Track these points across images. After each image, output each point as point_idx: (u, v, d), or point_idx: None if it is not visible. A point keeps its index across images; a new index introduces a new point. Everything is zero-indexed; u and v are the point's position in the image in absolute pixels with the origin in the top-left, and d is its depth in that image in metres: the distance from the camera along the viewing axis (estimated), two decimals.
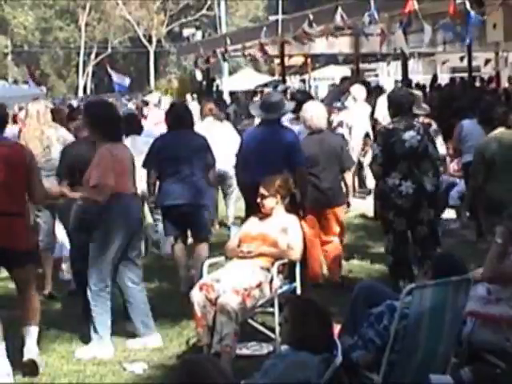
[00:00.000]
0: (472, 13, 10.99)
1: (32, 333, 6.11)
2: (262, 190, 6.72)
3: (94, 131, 6.63)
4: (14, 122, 12.83)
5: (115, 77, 30.56)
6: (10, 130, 11.28)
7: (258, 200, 6.74)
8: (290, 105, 8.14)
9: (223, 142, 10.19)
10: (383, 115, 13.01)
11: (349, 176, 8.34)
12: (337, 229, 8.29)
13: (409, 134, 7.25)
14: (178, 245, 8.22)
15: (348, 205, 8.41)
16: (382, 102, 13.48)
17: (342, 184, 8.25)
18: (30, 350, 6.03)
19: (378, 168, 7.34)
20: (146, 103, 21.14)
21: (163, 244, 9.75)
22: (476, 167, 7.65)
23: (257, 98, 15.21)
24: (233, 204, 11.08)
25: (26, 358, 5.97)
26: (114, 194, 6.37)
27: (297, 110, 8.68)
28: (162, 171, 8.08)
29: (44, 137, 8.21)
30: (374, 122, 13.27)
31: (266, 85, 27.62)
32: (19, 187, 6.06)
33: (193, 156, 8.05)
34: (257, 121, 10.11)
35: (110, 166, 6.37)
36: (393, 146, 7.21)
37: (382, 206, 7.44)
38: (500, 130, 7.65)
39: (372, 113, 13.48)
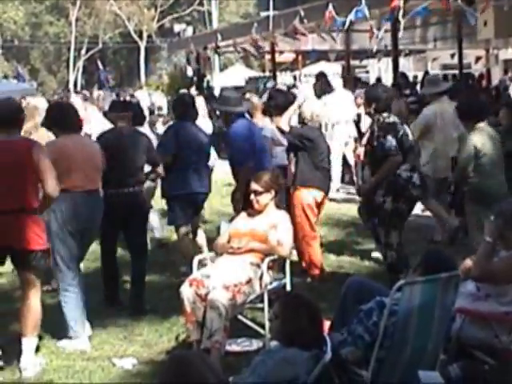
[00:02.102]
0: (468, 10, 11.03)
1: (26, 346, 6.00)
2: (256, 186, 6.69)
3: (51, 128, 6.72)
4: None
5: (104, 74, 30.50)
6: None
7: (252, 197, 6.72)
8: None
9: None
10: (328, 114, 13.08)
11: None
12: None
13: (406, 128, 7.51)
14: (188, 236, 8.43)
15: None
16: (329, 100, 13.49)
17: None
18: (24, 367, 5.95)
19: (399, 158, 7.31)
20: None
21: (159, 229, 10.05)
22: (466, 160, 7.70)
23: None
24: None
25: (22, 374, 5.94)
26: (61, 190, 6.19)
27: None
28: (180, 158, 8.16)
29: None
30: None
31: (256, 79, 27.53)
32: (19, 183, 5.91)
33: (203, 148, 8.43)
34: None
35: (53, 163, 6.14)
36: (402, 139, 7.33)
37: (397, 199, 7.34)
38: (482, 124, 7.75)
39: None
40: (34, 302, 6.08)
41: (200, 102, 13.25)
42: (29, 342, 6.01)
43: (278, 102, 8.95)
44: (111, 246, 7.76)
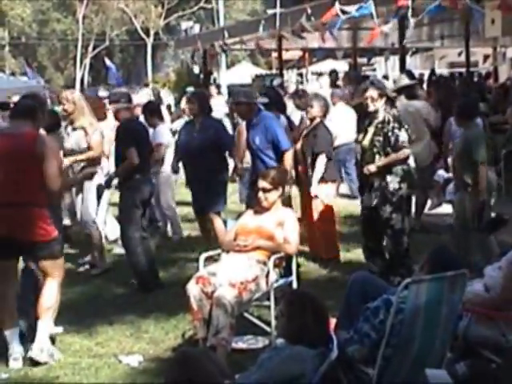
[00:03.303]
0: (474, 8, 11.04)
1: (39, 328, 6.09)
2: (264, 184, 6.69)
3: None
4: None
5: (114, 70, 30.37)
6: None
7: (260, 194, 6.71)
8: None
9: None
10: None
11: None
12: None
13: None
14: None
15: None
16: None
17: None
18: (34, 349, 6.05)
19: (410, 152, 7.68)
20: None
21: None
22: None
23: None
24: None
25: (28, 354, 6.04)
26: None
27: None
28: None
29: None
30: None
31: (263, 77, 27.49)
32: (26, 176, 5.94)
33: None
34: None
35: None
36: (407, 130, 7.67)
37: (412, 185, 7.72)
38: None
39: None
40: (47, 288, 6.16)
41: (220, 101, 13.34)
42: (40, 324, 6.10)
43: (271, 101, 9.01)
44: (139, 228, 8.12)
